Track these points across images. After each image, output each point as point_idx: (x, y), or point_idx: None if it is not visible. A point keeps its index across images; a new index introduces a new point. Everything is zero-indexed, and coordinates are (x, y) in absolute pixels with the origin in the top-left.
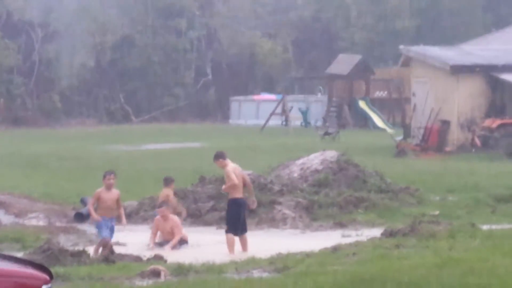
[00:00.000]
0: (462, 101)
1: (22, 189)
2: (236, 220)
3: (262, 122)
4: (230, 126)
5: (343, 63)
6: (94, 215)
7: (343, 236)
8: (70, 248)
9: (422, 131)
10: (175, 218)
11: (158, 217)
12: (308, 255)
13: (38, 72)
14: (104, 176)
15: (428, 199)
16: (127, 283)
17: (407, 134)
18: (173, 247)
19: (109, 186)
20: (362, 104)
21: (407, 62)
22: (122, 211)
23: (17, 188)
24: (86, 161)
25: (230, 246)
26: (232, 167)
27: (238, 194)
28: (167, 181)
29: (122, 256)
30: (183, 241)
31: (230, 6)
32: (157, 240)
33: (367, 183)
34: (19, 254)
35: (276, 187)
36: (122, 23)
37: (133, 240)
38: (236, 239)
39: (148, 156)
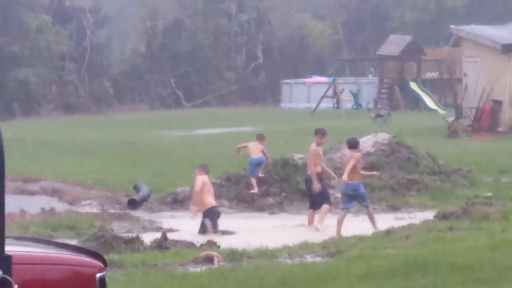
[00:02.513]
0: None
1: (75, 177)
2: None
3: (313, 105)
4: (282, 109)
5: (394, 44)
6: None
7: (396, 219)
8: (124, 235)
9: (474, 111)
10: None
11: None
12: (361, 239)
13: (89, 58)
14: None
15: (481, 180)
16: (180, 269)
17: (458, 115)
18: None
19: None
20: (413, 85)
21: (458, 42)
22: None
23: (70, 175)
24: (139, 147)
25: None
26: None
27: None
28: (260, 137)
29: (175, 243)
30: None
31: None
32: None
33: (420, 165)
34: (73, 242)
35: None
36: (172, 7)
37: (185, 226)
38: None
39: (200, 141)
